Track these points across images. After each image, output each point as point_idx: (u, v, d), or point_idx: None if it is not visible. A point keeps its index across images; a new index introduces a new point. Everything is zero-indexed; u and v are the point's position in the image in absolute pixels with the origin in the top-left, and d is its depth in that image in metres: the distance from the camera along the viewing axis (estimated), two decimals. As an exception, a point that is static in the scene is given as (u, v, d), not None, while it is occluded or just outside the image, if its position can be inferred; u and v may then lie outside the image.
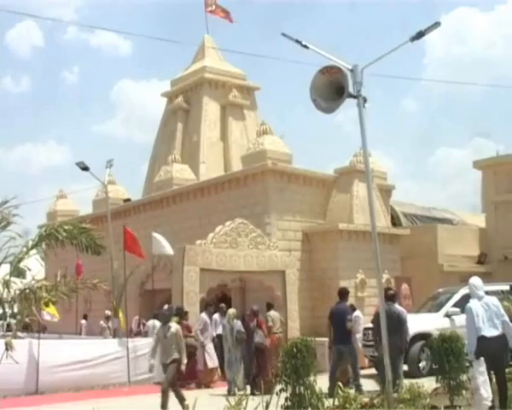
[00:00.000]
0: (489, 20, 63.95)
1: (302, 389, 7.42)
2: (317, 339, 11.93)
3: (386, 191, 22.87)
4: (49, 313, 18.25)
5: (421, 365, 14.25)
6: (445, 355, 9.30)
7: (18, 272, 9.88)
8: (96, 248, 9.21)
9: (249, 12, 69.00)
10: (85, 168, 18.27)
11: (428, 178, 66.79)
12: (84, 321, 23.22)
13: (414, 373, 13.50)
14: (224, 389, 13.26)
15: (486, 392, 7.79)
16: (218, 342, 14.64)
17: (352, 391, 9.92)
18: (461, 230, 24.67)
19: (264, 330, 13.54)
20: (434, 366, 10.07)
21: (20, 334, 13.38)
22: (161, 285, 19.34)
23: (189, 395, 10.31)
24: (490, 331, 8.12)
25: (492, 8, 68.04)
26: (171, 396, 10.14)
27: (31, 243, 8.72)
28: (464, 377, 9.20)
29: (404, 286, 19.12)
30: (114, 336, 17.17)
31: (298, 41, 8.54)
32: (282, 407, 7.39)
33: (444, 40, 64.70)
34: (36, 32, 76.14)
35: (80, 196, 52.03)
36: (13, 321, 9.40)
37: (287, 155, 20.42)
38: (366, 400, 9.05)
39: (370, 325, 13.32)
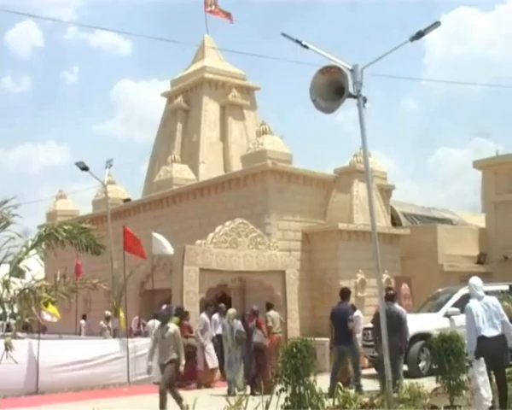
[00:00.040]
0: (489, 20, 64.06)
1: (302, 389, 7.42)
2: (317, 339, 11.94)
3: (386, 191, 22.87)
4: (50, 313, 18.23)
5: (420, 365, 14.26)
6: (444, 355, 9.30)
7: (18, 272, 9.88)
8: (96, 248, 9.22)
9: (249, 12, 69.09)
10: (85, 168, 18.26)
11: (428, 178, 66.88)
12: (83, 321, 23.22)
13: (413, 373, 13.50)
14: (224, 389, 13.26)
15: (486, 392, 7.79)
16: (218, 342, 14.63)
17: (352, 391, 9.93)
18: (461, 230, 24.67)
19: (264, 330, 13.53)
20: (434, 366, 10.07)
21: (19, 334, 13.37)
22: (161, 285, 19.34)
23: (189, 395, 10.31)
24: (490, 331, 8.13)
25: (492, 8, 68.18)
26: (170, 397, 10.13)
27: (30, 243, 8.73)
28: (464, 377, 9.20)
29: (404, 286, 19.13)
30: (114, 337, 17.17)
31: (298, 41, 8.54)
32: (282, 407, 7.39)
33: (444, 40, 64.81)
34: (36, 32, 76.27)
35: (80, 196, 52.09)
36: (12, 321, 9.38)
37: (287, 155, 20.42)
38: (366, 400, 9.05)
39: (370, 325, 13.33)
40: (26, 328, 15.85)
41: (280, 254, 17.76)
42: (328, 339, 13.14)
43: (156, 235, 18.04)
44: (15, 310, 8.83)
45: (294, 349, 7.54)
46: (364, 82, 7.99)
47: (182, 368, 10.30)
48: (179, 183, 22.88)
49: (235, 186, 20.38)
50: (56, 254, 9.81)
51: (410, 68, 57.41)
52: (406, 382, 10.40)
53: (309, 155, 68.36)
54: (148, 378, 13.48)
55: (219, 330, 14.60)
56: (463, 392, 9.25)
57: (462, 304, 11.98)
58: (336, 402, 8.54)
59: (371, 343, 13.39)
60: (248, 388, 12.54)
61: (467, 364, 8.83)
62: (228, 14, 26.97)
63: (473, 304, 8.33)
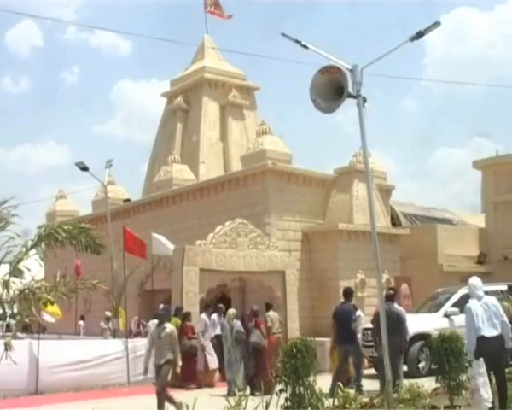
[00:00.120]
0: (489, 20, 63.96)
1: (302, 389, 7.42)
2: (317, 339, 11.96)
3: (386, 191, 22.86)
4: (50, 313, 18.21)
5: (420, 365, 14.27)
6: (444, 355, 9.30)
7: (17, 273, 9.87)
8: (96, 248, 9.21)
9: (249, 12, 69.01)
10: (85, 168, 18.27)
11: (428, 178, 66.79)
12: (81, 322, 23.22)
13: (413, 373, 13.51)
14: (223, 389, 13.26)
15: (486, 393, 7.80)
16: (217, 342, 14.63)
17: (352, 391, 9.94)
18: (460, 230, 24.66)
19: (263, 330, 13.51)
20: (434, 366, 10.07)
21: (19, 334, 13.37)
22: (161, 285, 19.33)
23: (190, 395, 10.30)
24: (489, 331, 8.13)
25: (492, 8, 68.14)
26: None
27: (30, 244, 8.72)
28: (464, 377, 9.20)
29: (404, 286, 19.12)
30: (114, 337, 17.16)
31: (297, 41, 8.56)
32: (281, 407, 7.39)
33: (444, 40, 64.70)
34: (35, 32, 76.06)
35: (80, 197, 52.03)
36: (12, 322, 9.38)
37: (286, 155, 20.41)
38: (366, 400, 9.06)
39: (369, 326, 13.33)
40: (25, 328, 15.85)
41: (280, 255, 17.76)
42: (327, 339, 13.16)
43: (156, 235, 18.04)
44: (15, 310, 8.82)
45: (294, 349, 7.54)
46: (364, 82, 8.02)
47: (178, 369, 10.27)
48: (179, 183, 22.88)
49: (235, 186, 20.37)
50: (56, 254, 9.79)
51: (410, 68, 57.39)
52: (406, 382, 10.42)
53: (309, 155, 68.30)
54: (147, 379, 13.52)
55: (218, 331, 14.59)
56: (463, 392, 9.25)
57: (461, 304, 11.97)
58: (336, 402, 8.54)
59: (370, 344, 13.41)
60: (248, 388, 12.54)
61: (466, 364, 8.84)
62: (229, 16, 27.03)
63: (472, 304, 8.34)
